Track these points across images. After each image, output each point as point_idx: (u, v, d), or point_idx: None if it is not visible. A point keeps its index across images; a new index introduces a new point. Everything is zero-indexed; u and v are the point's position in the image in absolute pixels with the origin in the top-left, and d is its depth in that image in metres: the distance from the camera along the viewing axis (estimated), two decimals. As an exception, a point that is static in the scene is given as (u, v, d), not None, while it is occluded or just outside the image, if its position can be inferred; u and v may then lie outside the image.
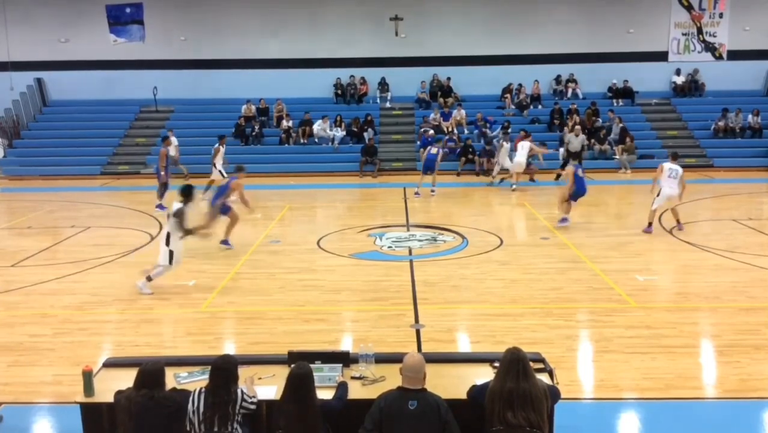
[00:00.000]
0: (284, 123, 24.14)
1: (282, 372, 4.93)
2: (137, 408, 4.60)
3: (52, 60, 25.47)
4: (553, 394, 4.82)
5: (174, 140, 20.47)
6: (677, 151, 14.83)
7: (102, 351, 7.65)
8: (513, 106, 25.01)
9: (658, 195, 13.19)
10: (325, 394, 4.85)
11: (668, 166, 13.40)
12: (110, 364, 5.60)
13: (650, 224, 13.21)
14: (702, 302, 9.29)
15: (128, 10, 24.13)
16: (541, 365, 5.38)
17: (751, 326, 8.30)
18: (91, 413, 5.01)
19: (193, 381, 5.13)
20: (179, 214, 9.39)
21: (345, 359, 5.48)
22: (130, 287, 9.88)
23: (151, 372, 4.74)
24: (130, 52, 24.84)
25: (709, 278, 10.32)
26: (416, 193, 17.92)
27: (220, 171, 17.56)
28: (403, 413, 4.47)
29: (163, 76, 25.43)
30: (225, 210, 12.35)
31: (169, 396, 4.73)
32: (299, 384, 4.60)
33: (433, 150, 18.32)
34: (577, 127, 21.37)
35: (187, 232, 9.55)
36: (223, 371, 4.70)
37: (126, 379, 4.85)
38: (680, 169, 13.29)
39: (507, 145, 19.53)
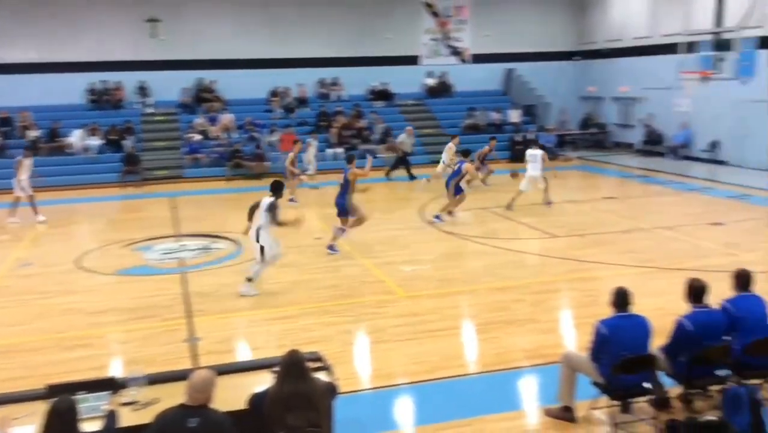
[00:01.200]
0: (30, 133, 21.95)
1: (42, 409, 4.49)
2: None
3: None
4: (332, 390, 4.95)
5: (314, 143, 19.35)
6: (536, 137, 17.30)
7: None
8: (281, 110, 25.17)
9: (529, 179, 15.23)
10: (94, 426, 4.51)
11: (529, 152, 15.42)
12: None
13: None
14: (461, 286, 10.11)
15: None
16: (319, 364, 5.50)
17: (504, 303, 9.19)
18: None
19: (-71, 433, 4.50)
20: (273, 208, 9.46)
21: (112, 385, 5.16)
22: None
23: None
24: None
25: (466, 263, 11.27)
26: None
27: (22, 186, 15.38)
28: (182, 430, 4.30)
29: None
30: (458, 191, 14.09)
31: None
32: (59, 420, 4.22)
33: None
34: (409, 128, 22.14)
35: (280, 224, 9.63)
36: (-34, 417, 4.17)
37: None
38: (539, 153, 15.38)
39: (315, 144, 19.68)
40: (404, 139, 21.35)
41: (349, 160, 12.48)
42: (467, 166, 14.52)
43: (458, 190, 14.42)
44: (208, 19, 24.83)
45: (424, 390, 6.73)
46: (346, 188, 12.09)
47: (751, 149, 20.48)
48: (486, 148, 19.17)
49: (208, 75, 25.04)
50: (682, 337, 5.79)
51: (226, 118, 23.91)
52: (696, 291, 5.91)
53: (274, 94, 25.54)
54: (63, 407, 4.27)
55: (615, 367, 5.54)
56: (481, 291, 9.82)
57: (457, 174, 14.44)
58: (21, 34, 23.11)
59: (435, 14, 27.26)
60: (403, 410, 6.51)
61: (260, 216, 9.56)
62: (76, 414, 4.31)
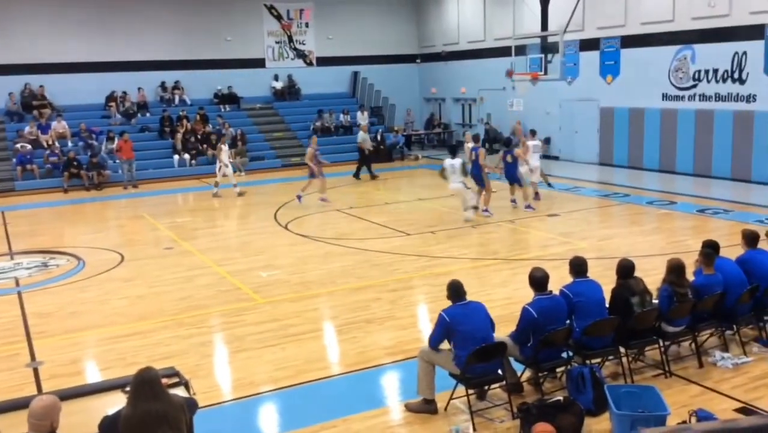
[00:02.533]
0: None
1: None
2: None
3: None
4: (191, 406, 4.77)
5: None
6: (535, 129, 16.81)
7: None
8: (119, 115, 23.93)
9: (530, 170, 15.44)
10: None
11: (531, 143, 15.57)
12: None
13: (537, 194, 15.53)
14: (319, 288, 10.13)
15: None
16: (176, 379, 5.29)
17: (362, 303, 9.32)
18: None
19: None
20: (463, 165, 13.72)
21: (-55, 420, 4.68)
22: None
23: None
24: None
25: (323, 266, 11.29)
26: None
27: None
28: None
29: None
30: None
31: None
32: None
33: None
34: (364, 124, 22.03)
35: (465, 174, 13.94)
36: None
37: None
38: (539, 143, 16.03)
39: (225, 148, 18.55)
40: (364, 137, 20.74)
41: (477, 139, 15.15)
42: (480, 150, 14.48)
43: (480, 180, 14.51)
44: (37, 20, 23.10)
45: (288, 396, 6.67)
46: (477, 163, 14.22)
47: (580, 145, 22.20)
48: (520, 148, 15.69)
49: (37, 80, 23.29)
50: (528, 324, 6.17)
51: (60, 125, 22.37)
52: (537, 280, 6.31)
53: (111, 99, 24.21)
54: None
55: (469, 357, 5.81)
56: (340, 292, 9.90)
57: (478, 163, 14.30)
58: None
59: (278, 16, 27.09)
60: (268, 418, 6.43)
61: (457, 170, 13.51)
62: None
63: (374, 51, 28.33)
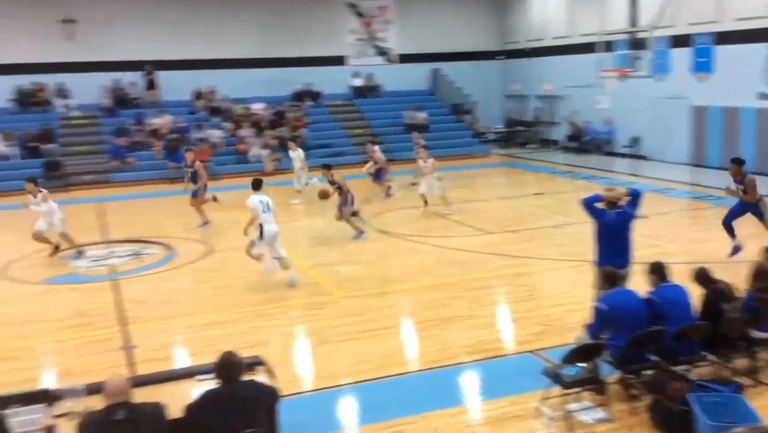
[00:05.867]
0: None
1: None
2: None
3: None
4: (273, 394, 4.87)
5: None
6: None
7: None
8: (205, 112, 24.65)
9: None
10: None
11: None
12: None
13: None
14: (399, 284, 10.17)
15: None
16: (261, 367, 5.43)
17: (441, 301, 9.29)
18: None
19: None
20: None
21: (46, 397, 4.94)
22: None
23: None
24: None
25: (402, 262, 11.33)
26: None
27: None
28: (111, 422, 4.17)
29: None
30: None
31: None
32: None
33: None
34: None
35: None
36: None
37: None
38: None
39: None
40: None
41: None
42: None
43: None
44: (129, 19, 24.15)
45: (367, 390, 6.74)
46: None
47: (670, 144, 21.39)
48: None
49: (125, 77, 24.36)
50: (601, 318, 6.11)
51: (164, 119, 23.35)
52: (610, 277, 6.34)
53: (198, 95, 24.99)
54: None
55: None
56: (419, 289, 9.90)
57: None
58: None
59: (359, 14, 27.29)
60: (348, 410, 6.51)
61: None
62: (5, 431, 4.14)
63: (455, 47, 28.15)
